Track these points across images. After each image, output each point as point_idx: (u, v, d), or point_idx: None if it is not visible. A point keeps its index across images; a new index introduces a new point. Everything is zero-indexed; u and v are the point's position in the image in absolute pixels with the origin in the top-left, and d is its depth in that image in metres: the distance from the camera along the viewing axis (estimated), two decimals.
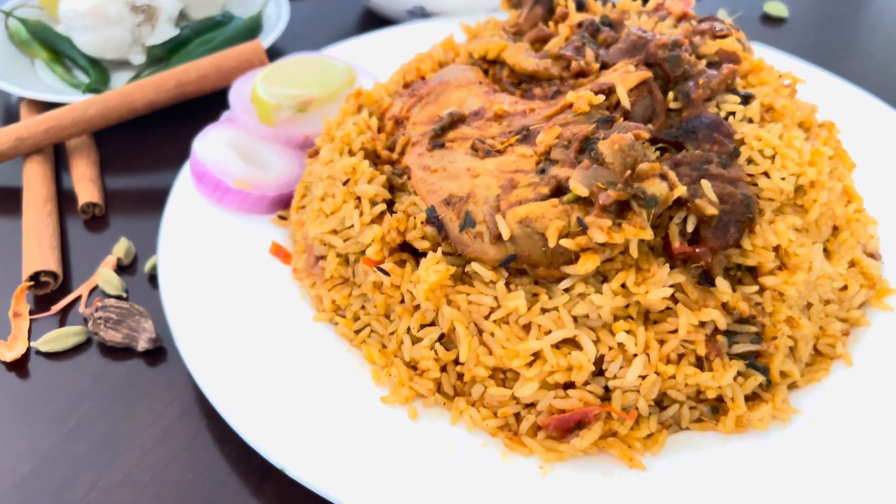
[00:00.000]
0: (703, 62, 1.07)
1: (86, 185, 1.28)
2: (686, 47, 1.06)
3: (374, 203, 0.98)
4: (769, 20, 1.86)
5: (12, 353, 1.05)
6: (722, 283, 0.88)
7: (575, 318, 0.87)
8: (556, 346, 0.86)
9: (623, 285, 0.86)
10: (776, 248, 0.91)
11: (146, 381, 1.03)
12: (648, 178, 0.85)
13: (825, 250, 0.99)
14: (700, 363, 0.88)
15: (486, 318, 0.88)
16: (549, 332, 0.86)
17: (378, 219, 0.97)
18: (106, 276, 1.14)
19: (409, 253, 0.96)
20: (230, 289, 1.03)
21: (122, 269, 1.19)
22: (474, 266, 0.88)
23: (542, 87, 1.08)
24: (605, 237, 0.82)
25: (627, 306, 0.87)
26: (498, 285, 0.87)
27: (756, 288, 0.90)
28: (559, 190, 0.87)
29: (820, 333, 0.97)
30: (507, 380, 0.89)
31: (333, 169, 1.02)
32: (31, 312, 1.11)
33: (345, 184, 1.00)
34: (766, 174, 0.94)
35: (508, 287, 0.88)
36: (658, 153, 0.96)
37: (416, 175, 0.97)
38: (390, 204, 0.99)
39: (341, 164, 1.01)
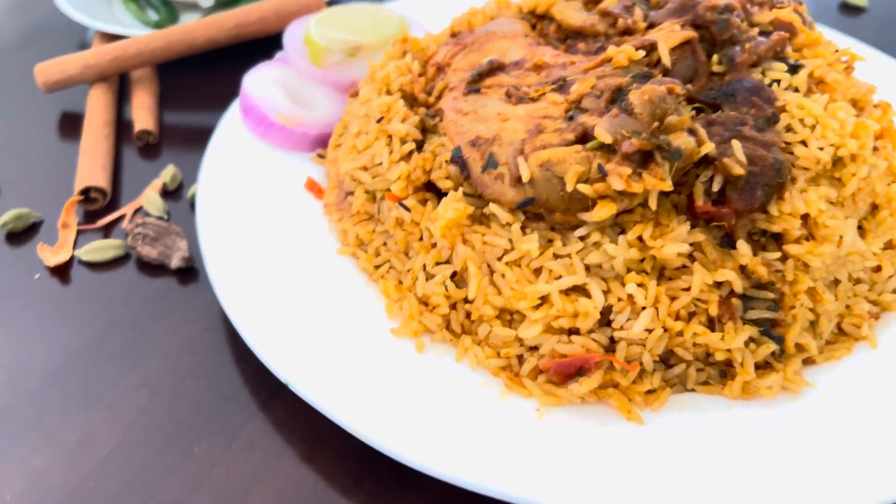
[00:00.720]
0: (756, 30, 1.05)
1: (143, 114, 1.34)
2: (738, 12, 1.03)
3: (404, 142, 0.99)
4: (848, 9, 1.79)
5: (57, 258, 1.11)
6: (743, 246, 0.86)
7: (588, 267, 0.86)
8: (566, 292, 0.86)
9: (640, 238, 0.85)
10: (805, 218, 0.89)
11: (175, 298, 1.07)
12: (676, 132, 0.84)
13: (860, 227, 0.96)
14: (712, 324, 0.87)
15: (500, 259, 0.88)
16: (560, 277, 0.86)
17: (406, 157, 0.98)
18: (151, 198, 1.20)
19: (433, 193, 0.97)
20: (262, 218, 1.06)
21: (167, 193, 1.24)
22: (492, 207, 0.89)
23: (587, 44, 1.08)
24: (624, 185, 0.81)
25: (643, 260, 0.86)
26: (513, 227, 0.87)
27: (779, 255, 0.88)
28: (585, 137, 0.87)
29: (846, 312, 0.94)
30: (513, 321, 0.89)
31: (370, 107, 1.04)
32: (78, 224, 1.17)
33: (378, 121, 1.01)
34: (804, 143, 0.92)
35: (524, 230, 0.88)
36: (694, 113, 0.95)
37: (448, 117, 0.98)
38: (421, 144, 1.01)
39: (377, 102, 1.03)
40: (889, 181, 0.99)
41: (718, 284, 0.86)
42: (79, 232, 1.16)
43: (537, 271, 0.87)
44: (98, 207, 1.20)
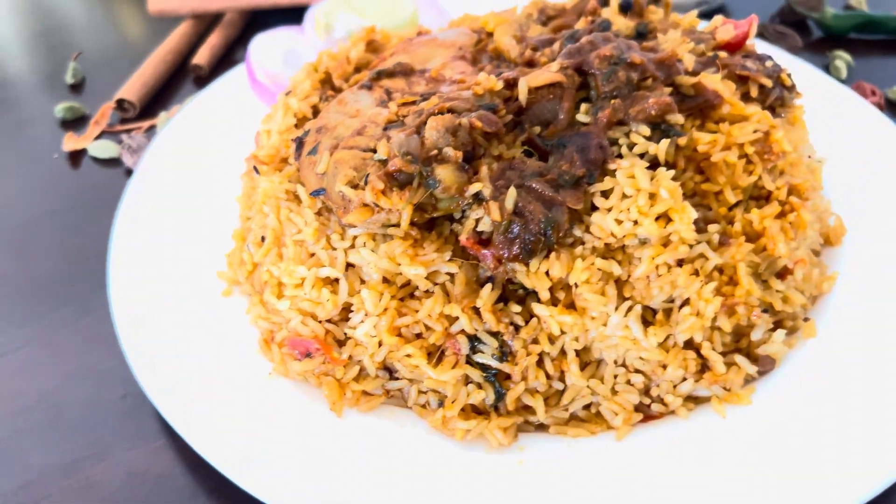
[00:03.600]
0: (667, 90, 0.99)
1: (205, 51, 1.59)
2: (643, 67, 0.98)
3: (294, 116, 1.11)
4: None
5: (73, 146, 1.40)
6: (485, 289, 0.87)
7: (352, 265, 0.93)
8: (327, 281, 0.93)
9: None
10: (568, 285, 0.87)
11: None
12: (446, 164, 0.87)
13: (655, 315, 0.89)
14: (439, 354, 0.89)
15: (291, 236, 0.98)
16: (323, 267, 0.93)
17: (289, 130, 1.10)
18: (162, 119, 1.44)
19: None
20: (200, 154, 1.24)
21: None
22: (299, 188, 0.98)
23: (498, 67, 1.09)
24: (372, 197, 0.86)
25: (401, 274, 0.91)
26: (307, 211, 0.96)
27: (519, 309, 0.87)
28: None
29: (609, 396, 0.90)
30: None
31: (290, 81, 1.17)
32: (109, 126, 1.45)
33: (287, 94, 1.14)
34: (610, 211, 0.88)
35: (319, 216, 0.96)
36: (521, 154, 0.94)
37: (329, 104, 1.08)
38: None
39: (294, 77, 1.15)
40: (717, 282, 0.90)
41: (456, 319, 0.88)
42: (104, 132, 1.44)
43: (312, 255, 0.95)
44: (130, 116, 1.47)
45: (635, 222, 0.87)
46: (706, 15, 1.46)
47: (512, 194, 0.86)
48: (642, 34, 1.17)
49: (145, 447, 0.96)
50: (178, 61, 1.59)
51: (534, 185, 0.88)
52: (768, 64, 1.09)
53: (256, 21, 1.74)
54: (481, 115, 0.91)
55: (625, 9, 1.20)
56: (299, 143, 1.01)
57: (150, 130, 1.44)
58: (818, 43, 1.65)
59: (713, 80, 1.00)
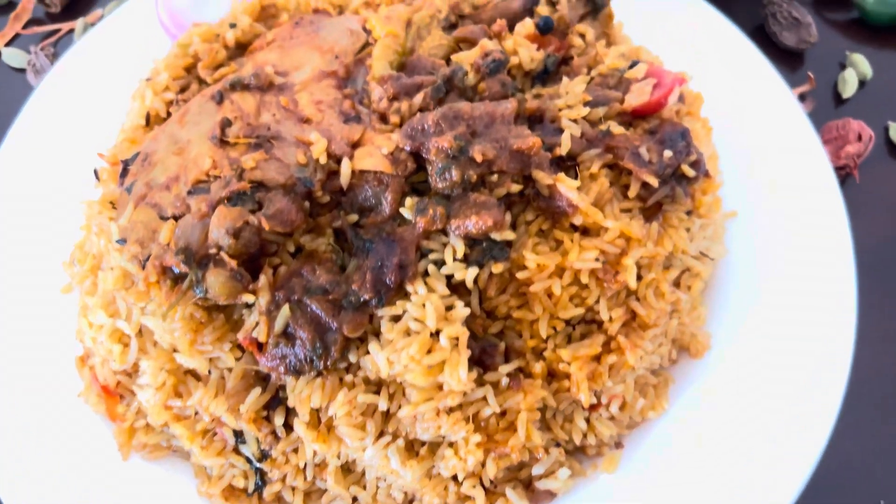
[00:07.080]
0: (515, 187, 0.88)
1: None
2: (489, 162, 0.86)
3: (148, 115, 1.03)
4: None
5: None
6: (253, 394, 0.86)
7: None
8: (123, 334, 0.93)
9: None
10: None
11: None
12: (219, 269, 0.82)
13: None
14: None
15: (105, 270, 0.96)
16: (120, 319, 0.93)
17: (136, 131, 1.03)
18: (80, 26, 1.36)
19: None
20: (97, 91, 1.20)
21: None
22: (112, 225, 0.94)
23: (362, 104, 0.97)
24: (143, 286, 0.84)
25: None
26: (116, 254, 0.93)
27: (283, 420, 0.87)
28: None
29: (369, 503, 0.91)
30: None
31: (158, 63, 1.07)
32: (30, 22, 1.38)
33: (148, 80, 1.05)
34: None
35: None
36: (330, 248, 0.87)
37: (170, 118, 0.99)
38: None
39: (158, 60, 1.05)
40: (479, 434, 0.85)
41: None
42: (18, 35, 1.38)
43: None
44: (53, 12, 1.39)
45: (406, 366, 0.82)
46: None
47: (284, 314, 0.82)
48: (547, 71, 1.00)
49: None
50: None
51: (312, 307, 0.83)
52: (667, 155, 0.92)
53: None
54: (276, 212, 0.84)
55: (544, 30, 1.01)
56: (124, 169, 0.96)
57: (69, 35, 1.37)
58: (846, 36, 1.36)
59: (570, 187, 0.87)
